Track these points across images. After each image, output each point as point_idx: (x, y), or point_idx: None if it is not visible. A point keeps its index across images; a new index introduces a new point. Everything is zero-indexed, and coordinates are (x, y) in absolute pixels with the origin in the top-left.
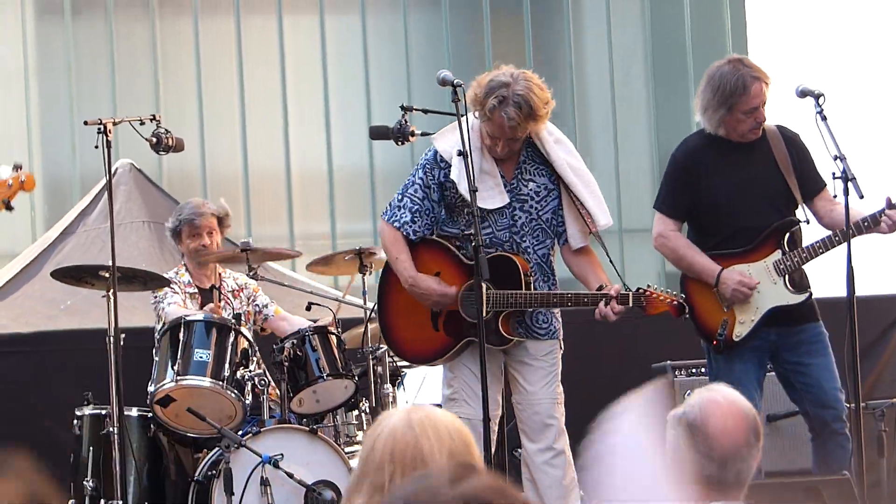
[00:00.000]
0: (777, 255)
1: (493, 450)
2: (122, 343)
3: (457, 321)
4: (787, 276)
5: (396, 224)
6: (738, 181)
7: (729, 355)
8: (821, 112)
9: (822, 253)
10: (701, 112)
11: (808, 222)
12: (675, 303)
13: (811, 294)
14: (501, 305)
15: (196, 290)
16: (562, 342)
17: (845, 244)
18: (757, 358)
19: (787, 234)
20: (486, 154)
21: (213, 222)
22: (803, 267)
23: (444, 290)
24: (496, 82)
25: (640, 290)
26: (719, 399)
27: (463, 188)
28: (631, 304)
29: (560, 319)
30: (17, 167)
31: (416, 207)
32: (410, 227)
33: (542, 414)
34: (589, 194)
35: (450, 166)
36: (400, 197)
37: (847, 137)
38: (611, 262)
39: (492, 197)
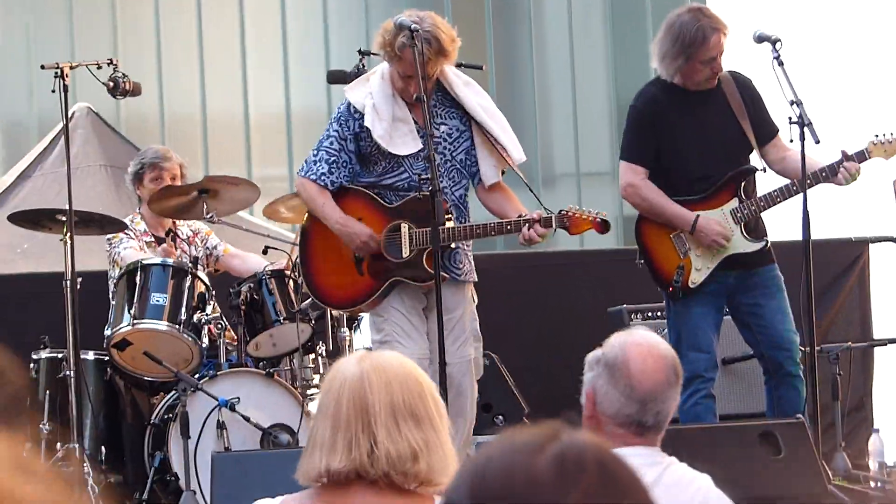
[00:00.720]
0: (734, 202)
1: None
2: (78, 287)
3: (380, 263)
4: (743, 224)
5: (313, 177)
6: (695, 129)
7: (685, 300)
8: (777, 57)
9: (780, 202)
10: (658, 60)
11: (764, 170)
12: (598, 220)
13: (767, 242)
14: (425, 243)
15: (152, 239)
16: (475, 294)
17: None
18: (714, 302)
19: (744, 182)
20: (399, 100)
21: (176, 169)
22: (760, 214)
23: (370, 232)
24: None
25: (562, 212)
26: (640, 340)
27: (377, 135)
28: (554, 226)
29: (472, 262)
30: None
31: (332, 159)
32: (328, 177)
33: (453, 380)
34: (501, 131)
35: (363, 116)
36: (315, 152)
37: (804, 83)
38: (531, 190)
39: (405, 143)
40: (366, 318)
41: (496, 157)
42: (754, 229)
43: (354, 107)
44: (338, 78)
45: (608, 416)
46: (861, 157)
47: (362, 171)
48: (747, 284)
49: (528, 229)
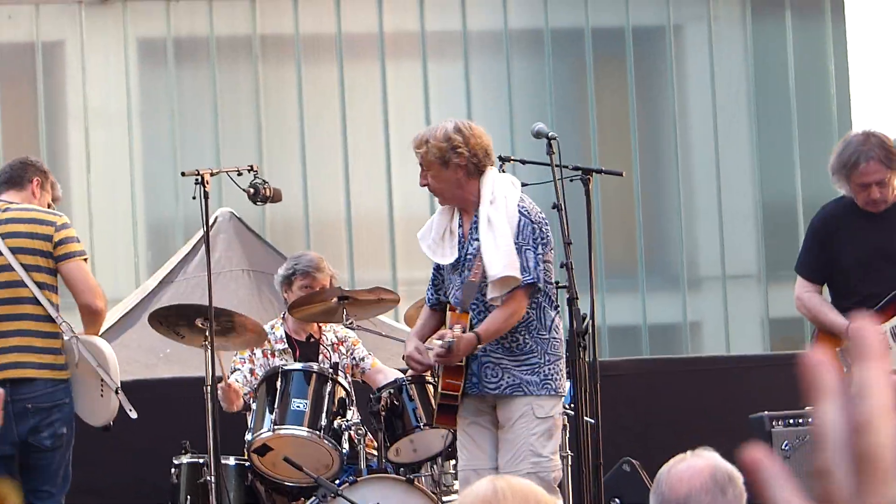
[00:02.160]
0: (895, 321)
1: None
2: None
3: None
4: None
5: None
6: (866, 248)
7: None
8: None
9: None
10: (830, 174)
11: None
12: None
13: None
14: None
15: (286, 346)
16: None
17: None
18: None
19: None
20: (458, 211)
21: (327, 280)
22: None
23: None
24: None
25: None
26: (687, 454)
27: (424, 246)
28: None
29: (539, 372)
30: None
31: (432, 276)
32: (429, 294)
33: None
34: (492, 244)
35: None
36: None
37: None
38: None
39: (445, 255)
40: None
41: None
42: None
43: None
44: None
45: None
46: None
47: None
48: None
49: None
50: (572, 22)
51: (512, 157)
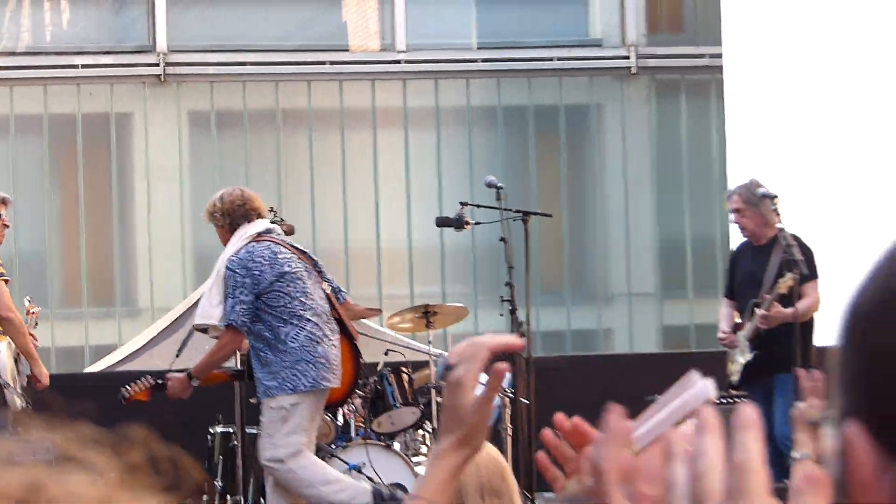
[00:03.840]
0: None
1: None
2: (245, 378)
3: None
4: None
5: None
6: (744, 276)
7: None
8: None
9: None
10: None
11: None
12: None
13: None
14: None
15: None
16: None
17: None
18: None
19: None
20: None
21: None
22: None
23: None
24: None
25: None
26: None
27: None
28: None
29: (273, 376)
30: None
31: None
32: None
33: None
34: (206, 292)
35: None
36: None
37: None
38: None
39: None
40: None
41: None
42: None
43: None
44: (443, 222)
45: None
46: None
47: None
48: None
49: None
50: (518, 101)
51: (469, 203)
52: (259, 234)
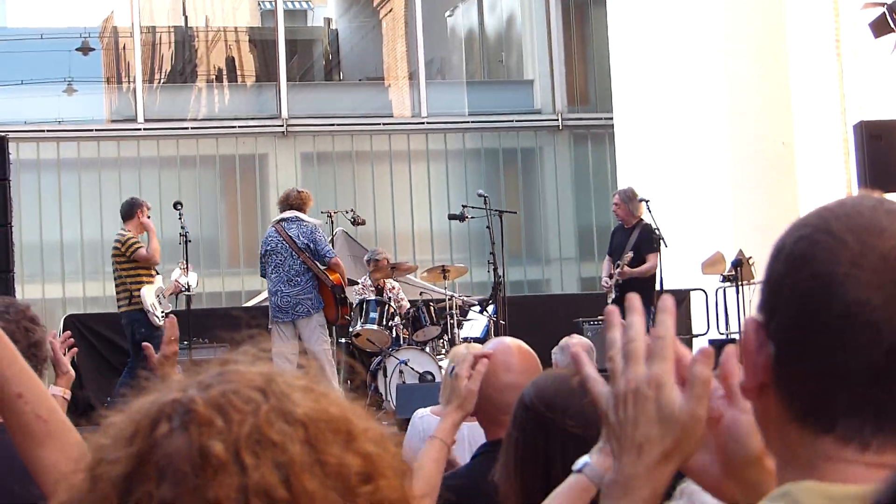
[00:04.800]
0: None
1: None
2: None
3: None
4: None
5: None
6: (616, 244)
7: None
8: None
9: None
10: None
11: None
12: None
13: (618, 295)
14: None
15: (374, 288)
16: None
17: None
18: None
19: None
20: None
21: (384, 261)
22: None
23: None
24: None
25: None
26: (568, 337)
27: None
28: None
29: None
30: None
31: None
32: None
33: None
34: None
35: None
36: None
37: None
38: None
39: None
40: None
41: None
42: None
43: None
44: (453, 217)
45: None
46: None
47: None
48: None
49: None
50: (493, 146)
51: (467, 205)
52: (278, 221)
